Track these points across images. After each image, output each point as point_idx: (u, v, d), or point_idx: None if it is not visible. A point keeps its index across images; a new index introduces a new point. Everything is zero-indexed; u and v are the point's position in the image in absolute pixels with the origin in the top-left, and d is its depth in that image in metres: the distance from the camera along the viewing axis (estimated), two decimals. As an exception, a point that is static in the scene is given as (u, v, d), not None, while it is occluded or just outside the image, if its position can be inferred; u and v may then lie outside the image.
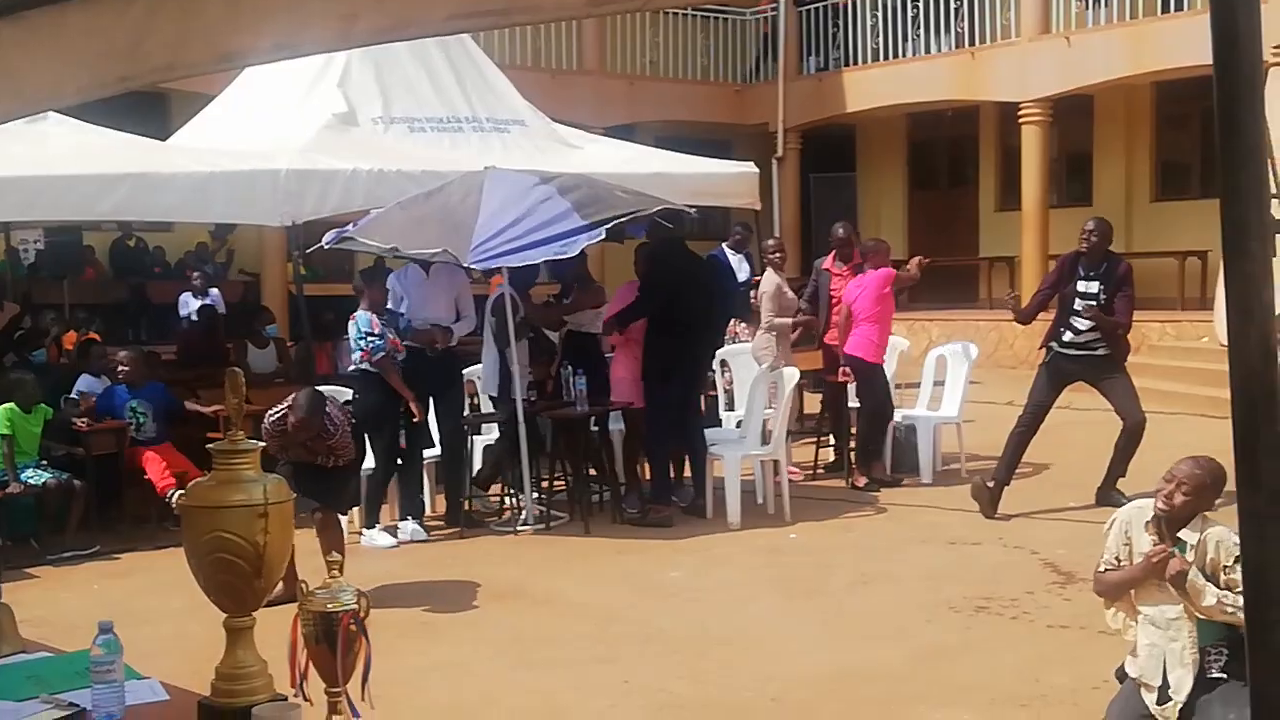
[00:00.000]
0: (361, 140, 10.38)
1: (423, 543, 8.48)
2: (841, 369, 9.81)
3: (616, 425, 9.46)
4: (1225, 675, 3.95)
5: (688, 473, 9.18)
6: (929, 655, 5.95)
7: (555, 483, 9.18)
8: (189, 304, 14.33)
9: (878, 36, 19.38)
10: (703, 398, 10.19)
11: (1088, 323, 8.48)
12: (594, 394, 8.86)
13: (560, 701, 5.49)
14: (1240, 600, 3.78)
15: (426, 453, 8.90)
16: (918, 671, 5.73)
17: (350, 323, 8.56)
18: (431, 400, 8.76)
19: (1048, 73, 16.88)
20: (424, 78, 11.13)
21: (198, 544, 2.39)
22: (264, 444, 6.54)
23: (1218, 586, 3.93)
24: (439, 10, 2.22)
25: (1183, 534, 4.03)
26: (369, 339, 8.36)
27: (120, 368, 9.09)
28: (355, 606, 2.29)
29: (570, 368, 8.91)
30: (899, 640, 6.17)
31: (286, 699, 2.36)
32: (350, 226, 8.88)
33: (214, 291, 14.78)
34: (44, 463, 8.55)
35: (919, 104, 19.24)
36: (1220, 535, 3.99)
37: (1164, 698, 4.00)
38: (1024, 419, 8.79)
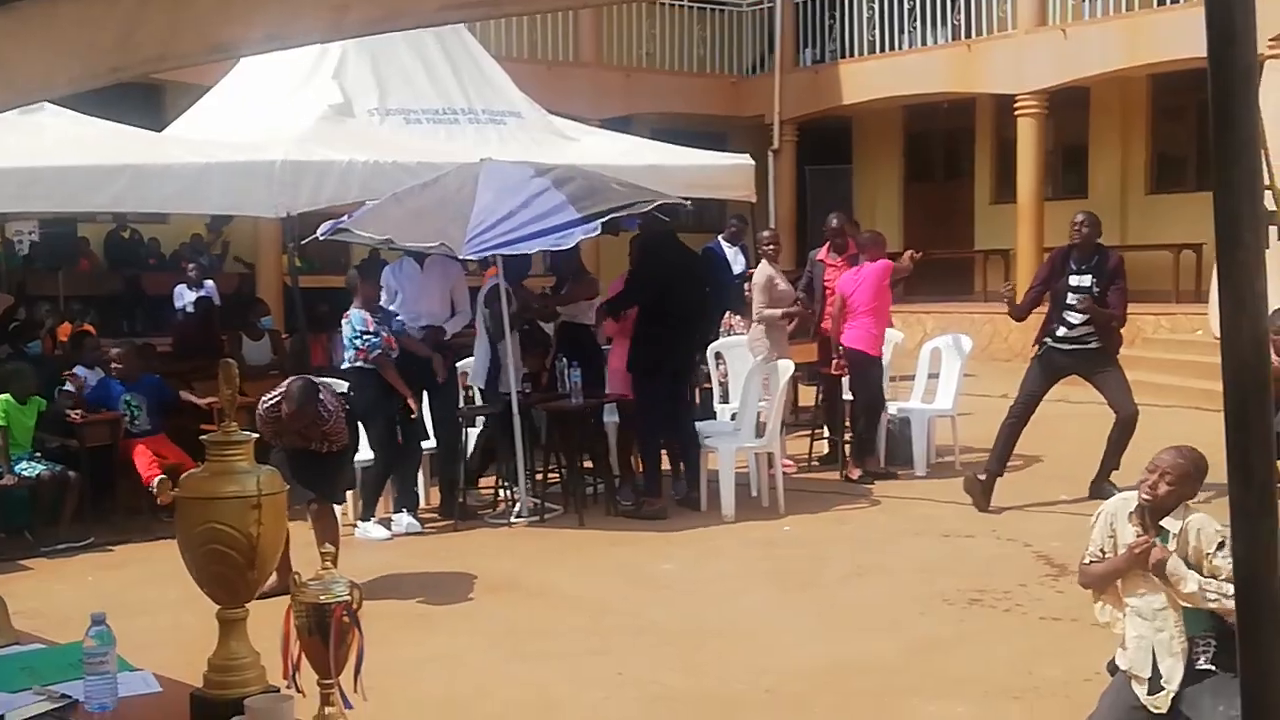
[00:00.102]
0: (357, 132, 10.37)
1: (417, 535, 8.49)
2: (836, 361, 9.81)
3: (611, 418, 9.46)
4: (1214, 667, 3.96)
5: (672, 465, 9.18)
6: (923, 647, 5.96)
7: (550, 475, 9.18)
8: (184, 296, 14.30)
9: (874, 29, 19.39)
10: (697, 390, 10.21)
11: (1081, 316, 8.49)
12: (588, 386, 8.86)
13: (554, 694, 5.50)
14: (1224, 587, 3.81)
15: (422, 445, 8.90)
16: (911, 664, 5.74)
17: (344, 321, 8.54)
18: (426, 393, 8.76)
19: (1043, 65, 16.88)
20: (420, 69, 11.11)
21: (191, 535, 2.39)
22: (259, 432, 6.59)
23: (1201, 574, 3.95)
24: (430, 0, 2.21)
25: (1165, 523, 4.05)
26: (364, 338, 8.35)
27: (114, 365, 9.08)
28: (348, 598, 2.29)
29: (565, 360, 8.91)
30: (893, 632, 6.18)
31: (279, 690, 2.36)
32: (345, 218, 8.88)
33: (209, 283, 14.75)
34: (38, 455, 8.54)
35: (915, 96, 19.23)
36: (1201, 523, 4.01)
37: (1155, 688, 4.01)
38: (1015, 410, 8.80)
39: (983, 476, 8.69)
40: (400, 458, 8.62)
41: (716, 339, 10.77)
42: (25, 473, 8.35)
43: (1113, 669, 4.24)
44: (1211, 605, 3.90)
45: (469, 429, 9.38)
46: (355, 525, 8.44)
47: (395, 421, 8.50)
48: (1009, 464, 9.00)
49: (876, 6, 19.25)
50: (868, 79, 19.22)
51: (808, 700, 5.35)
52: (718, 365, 10.76)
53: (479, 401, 9.33)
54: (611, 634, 6.27)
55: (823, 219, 11.28)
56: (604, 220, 8.34)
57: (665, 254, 8.97)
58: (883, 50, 19.28)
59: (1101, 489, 8.49)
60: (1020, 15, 17.36)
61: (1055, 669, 5.47)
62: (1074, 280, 8.52)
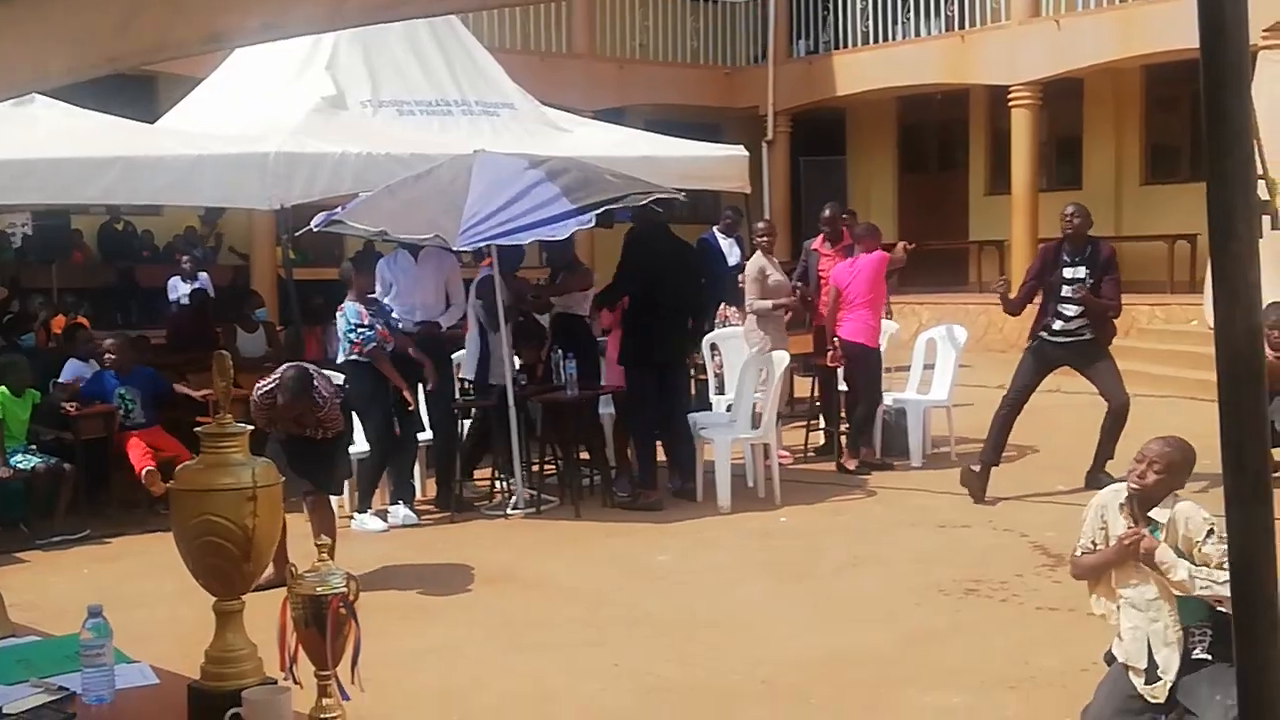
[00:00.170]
0: (350, 123, 10.35)
1: (413, 527, 8.49)
2: (832, 353, 9.81)
3: (607, 409, 9.46)
4: (1210, 656, 3.98)
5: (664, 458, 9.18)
6: (919, 638, 5.97)
7: (545, 467, 9.18)
8: (178, 288, 14.30)
9: (868, 19, 19.38)
10: (693, 381, 10.20)
11: (1077, 309, 8.51)
12: (584, 377, 8.87)
13: (550, 685, 5.50)
14: (1214, 574, 3.83)
15: (418, 437, 8.90)
16: (907, 654, 5.75)
17: (338, 314, 8.53)
18: (421, 385, 8.76)
19: (1037, 56, 16.88)
20: (413, 61, 11.09)
21: (186, 527, 2.39)
22: (253, 419, 6.60)
23: (1192, 563, 3.96)
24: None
25: (1154, 513, 4.07)
26: (359, 330, 8.33)
27: (107, 355, 9.07)
28: (344, 590, 2.29)
29: (561, 352, 8.91)
30: (889, 623, 6.18)
31: (276, 682, 2.36)
32: (339, 210, 8.86)
33: (203, 275, 14.74)
34: (33, 447, 8.54)
35: (909, 87, 19.23)
36: (1189, 511, 4.03)
37: (1152, 678, 4.02)
38: (1008, 399, 8.81)
39: (976, 468, 8.70)
40: (396, 450, 8.62)
41: (712, 330, 10.77)
42: (20, 465, 8.34)
43: (1109, 659, 4.25)
44: (1203, 593, 3.92)
45: (464, 420, 9.38)
46: (352, 517, 8.44)
47: (391, 414, 8.50)
48: (1005, 454, 9.02)
49: (870, -3, 19.26)
50: (862, 70, 19.21)
51: (804, 691, 5.36)
52: (713, 356, 10.76)
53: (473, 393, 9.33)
54: (608, 625, 6.28)
55: (817, 210, 11.29)
56: (598, 212, 8.35)
57: (656, 244, 8.96)
58: (877, 41, 19.27)
59: (1098, 479, 8.50)
60: (1014, 6, 17.36)
61: (1052, 659, 5.48)
62: (1068, 273, 8.53)
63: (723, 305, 11.13)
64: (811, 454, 10.47)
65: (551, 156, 9.19)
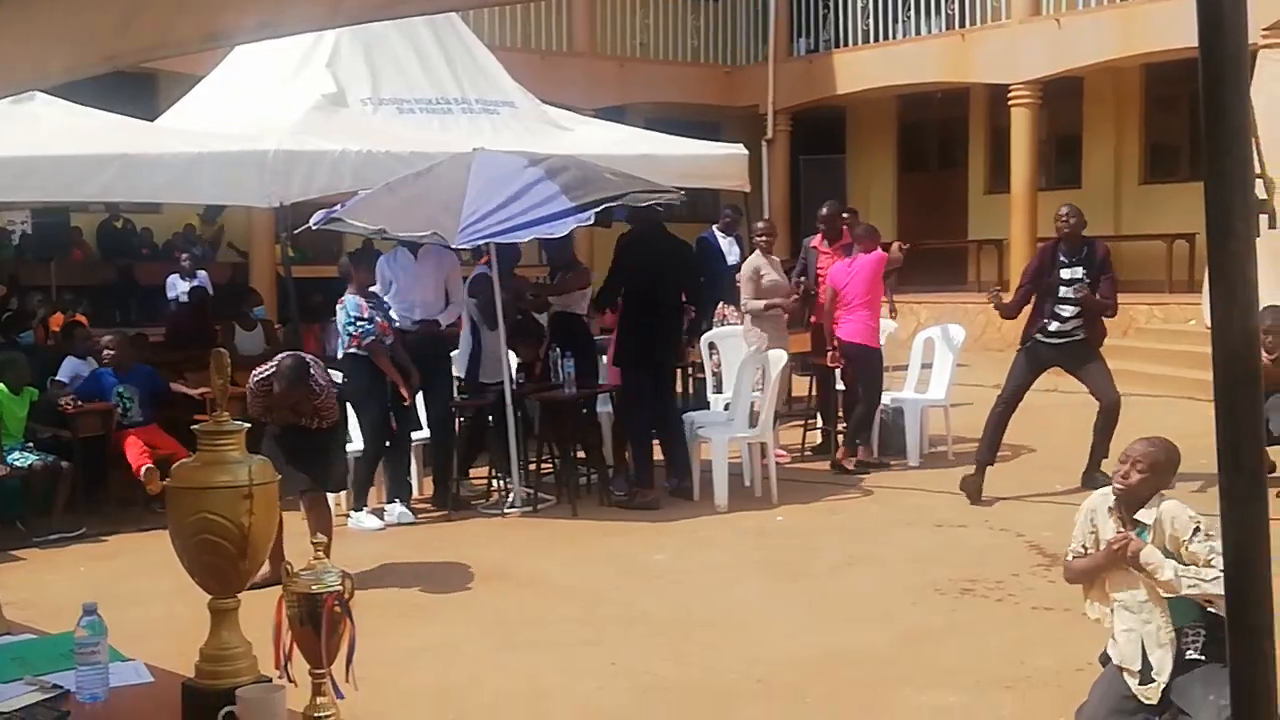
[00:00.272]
0: (350, 121, 10.35)
1: (410, 525, 8.48)
2: (831, 354, 9.81)
3: (605, 408, 9.46)
4: (1203, 657, 3.98)
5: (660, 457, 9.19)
6: (915, 637, 5.96)
7: (543, 465, 9.18)
8: (177, 286, 14.29)
9: (868, 18, 19.37)
10: (690, 380, 10.20)
11: (1073, 309, 8.52)
12: (581, 376, 8.86)
13: (546, 683, 5.50)
14: (1201, 573, 3.83)
15: (414, 435, 8.90)
16: (903, 653, 5.75)
17: (338, 307, 8.53)
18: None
19: (1037, 55, 16.87)
20: (413, 59, 11.09)
21: (183, 525, 2.38)
22: (249, 408, 6.61)
23: (1181, 562, 3.96)
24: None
25: (1140, 514, 4.07)
26: (358, 324, 8.33)
27: (106, 351, 9.07)
28: (340, 588, 2.28)
29: (559, 350, 8.91)
30: (885, 622, 6.18)
31: (271, 680, 2.36)
32: (338, 208, 8.86)
33: (202, 273, 14.73)
34: (30, 445, 8.53)
35: (909, 86, 19.22)
36: (1175, 510, 4.04)
37: (1146, 679, 4.03)
38: (1002, 400, 8.82)
39: (974, 469, 8.71)
40: (393, 447, 8.62)
41: (710, 329, 10.76)
42: (18, 463, 8.34)
43: (1104, 660, 4.26)
44: (1190, 592, 3.91)
45: (460, 418, 9.37)
46: (348, 515, 8.43)
47: (388, 409, 8.50)
48: (1001, 454, 9.02)
49: (870, -4, 19.26)
50: (862, 69, 19.20)
51: (800, 690, 5.36)
52: (711, 355, 10.76)
53: (465, 390, 9.32)
54: (604, 624, 6.28)
55: (816, 209, 11.28)
56: (596, 210, 8.34)
57: (652, 243, 8.95)
58: (877, 40, 19.26)
59: (1094, 479, 8.51)
60: (1014, 5, 17.35)
61: (1047, 658, 5.48)
62: (1065, 273, 8.54)
63: (721, 304, 11.12)
64: (809, 453, 10.47)
65: (551, 155, 9.19)
